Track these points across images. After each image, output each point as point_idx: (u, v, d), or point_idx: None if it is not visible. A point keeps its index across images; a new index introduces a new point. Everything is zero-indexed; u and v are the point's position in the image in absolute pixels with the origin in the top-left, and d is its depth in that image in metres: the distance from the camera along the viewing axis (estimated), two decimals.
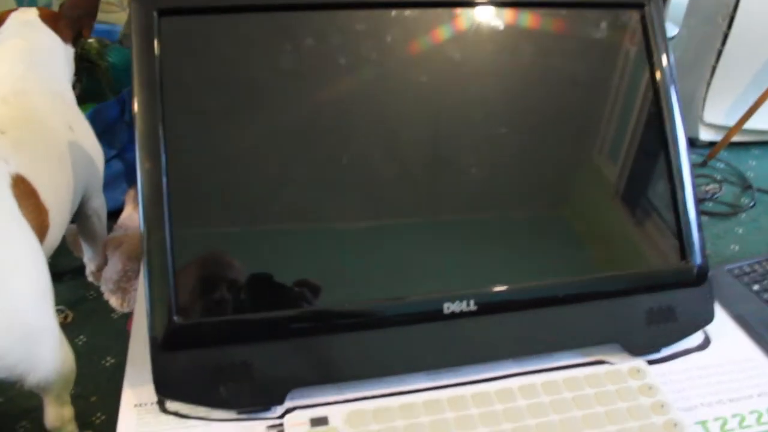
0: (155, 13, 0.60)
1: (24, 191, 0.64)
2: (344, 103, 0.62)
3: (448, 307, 0.58)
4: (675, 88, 0.68)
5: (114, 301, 0.93)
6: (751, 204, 1.20)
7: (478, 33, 0.65)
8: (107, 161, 1.06)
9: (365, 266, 0.60)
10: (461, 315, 0.59)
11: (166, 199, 0.57)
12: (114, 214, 1.03)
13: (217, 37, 0.62)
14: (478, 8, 0.66)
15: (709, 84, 1.35)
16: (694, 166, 1.33)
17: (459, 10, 0.65)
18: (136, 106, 0.58)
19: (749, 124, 1.33)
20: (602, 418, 0.55)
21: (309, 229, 0.60)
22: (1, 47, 0.74)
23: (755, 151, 1.40)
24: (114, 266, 0.94)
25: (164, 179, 0.57)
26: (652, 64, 0.68)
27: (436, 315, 0.58)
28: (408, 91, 0.63)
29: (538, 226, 0.64)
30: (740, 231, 1.13)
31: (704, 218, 1.16)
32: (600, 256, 0.65)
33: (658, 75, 0.68)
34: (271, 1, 0.62)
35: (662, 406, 0.56)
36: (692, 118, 1.41)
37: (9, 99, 0.72)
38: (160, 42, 0.59)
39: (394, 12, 0.64)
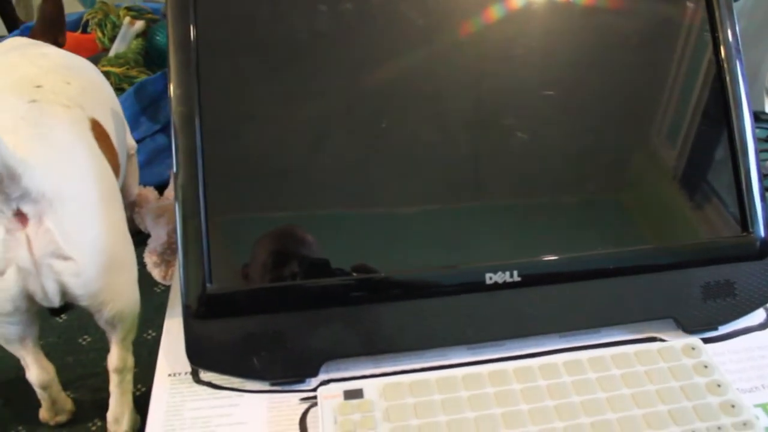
0: None
1: (100, 134, 0.68)
2: (390, 74, 0.60)
3: (491, 278, 0.56)
4: (739, 54, 0.64)
5: (157, 274, 0.93)
6: None
7: (531, 7, 0.62)
8: (152, 135, 1.06)
9: (405, 236, 0.58)
10: (504, 286, 0.56)
11: (200, 167, 0.56)
12: (159, 189, 1.02)
13: (256, 1, 0.60)
14: None
15: None
16: (759, 141, 1.27)
17: None
18: (171, 74, 0.57)
19: None
20: (653, 396, 0.52)
21: (347, 198, 0.58)
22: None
23: None
24: (157, 238, 0.93)
25: (199, 146, 0.56)
26: (715, 30, 0.64)
27: (477, 286, 0.56)
28: (456, 62, 0.61)
29: (588, 197, 0.61)
30: None
31: None
32: (654, 226, 0.61)
33: (720, 36, 0.64)
34: None
35: (719, 385, 0.53)
36: (758, 90, 1.34)
37: (54, 58, 0.76)
38: (195, 9, 0.58)
39: None
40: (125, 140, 0.83)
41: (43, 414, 0.71)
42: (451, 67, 0.61)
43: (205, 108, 0.57)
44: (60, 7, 0.86)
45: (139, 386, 0.73)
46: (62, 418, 0.72)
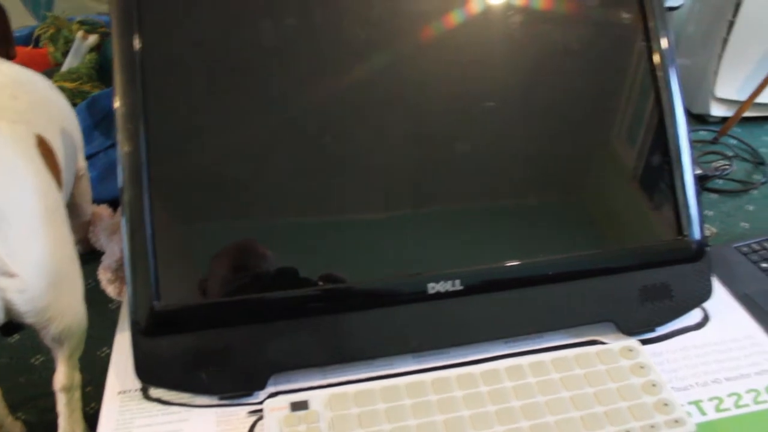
0: None
1: (46, 150, 0.68)
2: (334, 86, 0.61)
3: (433, 287, 0.57)
4: (674, 62, 0.66)
5: (111, 291, 0.92)
6: (763, 180, 1.16)
7: (473, 19, 0.63)
8: (105, 150, 1.06)
9: (347, 248, 0.59)
10: (446, 295, 0.57)
11: (146, 183, 0.56)
12: (114, 203, 1.02)
13: (198, 18, 0.60)
14: None
15: (720, 57, 1.31)
16: (705, 142, 1.30)
17: None
18: (115, 90, 0.57)
19: (763, 98, 1.30)
20: (591, 398, 0.53)
21: (288, 211, 0.59)
22: None
23: None
24: (111, 255, 0.93)
25: (144, 161, 0.57)
26: (648, 35, 0.66)
27: (420, 295, 0.57)
28: (400, 74, 0.62)
29: (527, 205, 0.62)
30: (751, 208, 1.10)
31: (714, 196, 1.13)
32: (592, 232, 0.63)
33: (654, 46, 0.66)
34: None
35: (654, 385, 0.54)
36: (704, 94, 1.37)
37: (4, 73, 0.76)
38: (140, 25, 0.58)
39: None
40: (75, 159, 0.83)
41: None
42: (395, 78, 0.62)
43: (151, 123, 0.57)
44: (5, 21, 0.85)
45: (92, 404, 0.73)
46: None
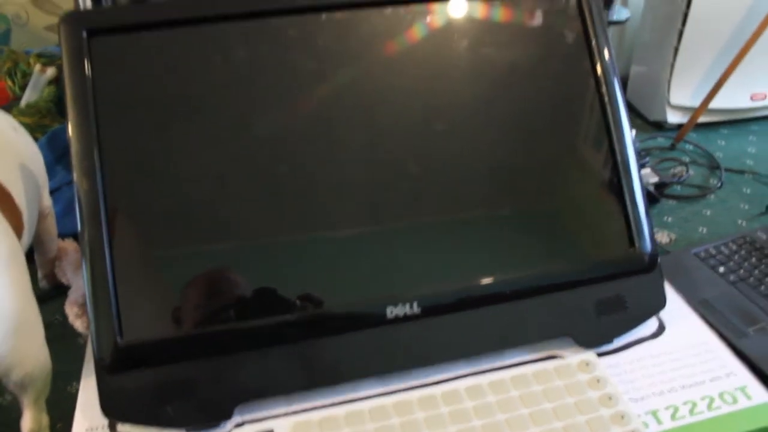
0: (84, 33, 0.60)
1: (1, 195, 0.67)
2: (283, 113, 0.62)
3: (392, 311, 0.58)
4: (615, 73, 0.68)
5: (79, 325, 0.92)
6: (719, 185, 1.20)
7: (413, 28, 0.65)
8: (68, 184, 1.06)
9: (305, 274, 0.59)
10: (405, 318, 0.58)
11: (103, 217, 0.57)
12: (77, 238, 1.02)
13: (150, 52, 0.61)
14: (412, 5, 0.65)
15: (673, 66, 1.35)
16: (663, 149, 1.33)
17: (392, 8, 0.65)
18: (69, 128, 0.58)
19: (716, 104, 1.33)
20: (549, 414, 0.55)
21: (245, 238, 0.60)
22: None
23: (724, 131, 1.40)
24: (78, 289, 0.93)
25: (101, 197, 0.57)
26: (591, 51, 0.68)
27: (379, 320, 0.58)
28: (350, 98, 0.63)
29: (479, 223, 0.64)
30: (708, 213, 1.13)
31: (672, 202, 1.16)
32: (546, 247, 0.64)
33: (597, 62, 0.68)
34: (201, 13, 0.62)
35: (610, 398, 0.56)
36: (659, 101, 1.41)
37: None
38: (91, 62, 0.59)
39: (325, 16, 0.64)
40: (39, 198, 0.82)
41: None
42: (350, 102, 0.63)
43: (106, 158, 0.58)
44: None
45: None
46: None
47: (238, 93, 0.62)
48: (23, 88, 1.15)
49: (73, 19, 0.60)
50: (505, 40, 0.67)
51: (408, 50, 0.65)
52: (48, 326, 0.86)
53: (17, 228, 0.68)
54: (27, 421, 0.65)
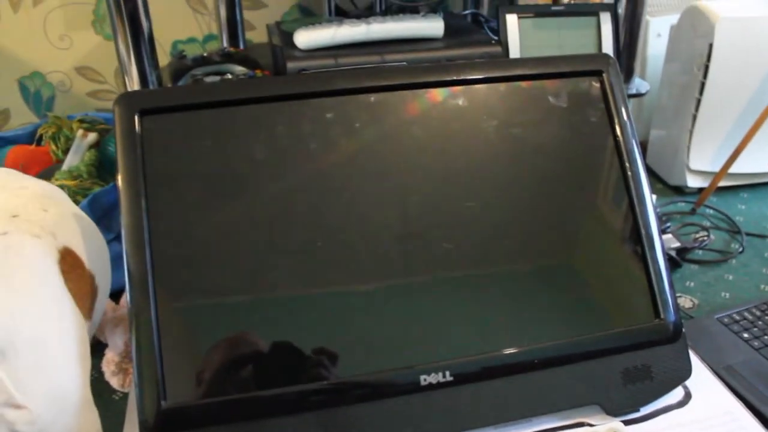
0: (137, 115, 0.64)
1: (71, 263, 0.68)
2: (321, 186, 0.66)
3: (425, 379, 0.60)
4: (637, 148, 0.71)
5: (116, 383, 0.95)
6: (740, 249, 1.21)
7: (445, 110, 0.69)
8: (108, 243, 1.10)
9: (342, 342, 0.62)
10: (438, 386, 0.61)
11: (151, 287, 0.60)
12: (114, 295, 1.05)
13: (197, 131, 0.66)
14: (443, 88, 0.69)
15: (691, 132, 1.38)
16: (683, 214, 1.35)
17: (424, 91, 0.69)
18: (121, 202, 0.62)
19: (736, 168, 1.36)
20: None
21: (285, 312, 0.63)
22: None
23: (744, 195, 1.42)
24: (115, 347, 0.96)
25: (149, 268, 0.61)
26: (613, 128, 0.71)
27: (413, 387, 0.60)
28: (376, 170, 0.67)
29: (509, 292, 0.66)
30: (730, 277, 1.14)
31: (694, 267, 1.17)
32: (573, 318, 0.66)
33: (620, 139, 0.71)
34: (244, 95, 0.67)
35: None
36: (679, 167, 1.43)
37: (34, 188, 0.76)
38: (142, 140, 0.63)
39: (361, 97, 0.68)
40: (107, 266, 0.84)
41: None
42: (379, 182, 0.67)
43: (154, 231, 0.62)
44: None
45: None
46: None
47: (278, 169, 0.66)
48: (65, 152, 1.19)
49: (127, 100, 0.65)
50: (532, 121, 0.71)
51: (438, 130, 0.69)
52: None
53: (90, 292, 0.70)
54: None
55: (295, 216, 0.65)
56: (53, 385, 0.59)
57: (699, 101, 1.35)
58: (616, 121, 0.71)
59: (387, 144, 0.67)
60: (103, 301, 0.76)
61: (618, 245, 0.69)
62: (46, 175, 1.14)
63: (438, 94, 0.69)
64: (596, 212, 0.70)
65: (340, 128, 0.67)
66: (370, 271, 0.64)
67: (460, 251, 0.66)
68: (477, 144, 0.69)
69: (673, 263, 1.14)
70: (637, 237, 0.68)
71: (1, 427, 0.56)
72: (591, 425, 0.63)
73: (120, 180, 0.63)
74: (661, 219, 1.26)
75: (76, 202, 1.06)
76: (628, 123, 0.71)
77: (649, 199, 0.70)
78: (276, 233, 0.64)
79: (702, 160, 1.40)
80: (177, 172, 0.65)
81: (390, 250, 0.65)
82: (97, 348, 0.99)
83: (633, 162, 0.70)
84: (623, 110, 0.72)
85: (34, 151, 1.25)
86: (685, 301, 1.06)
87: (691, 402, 0.67)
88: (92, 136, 1.22)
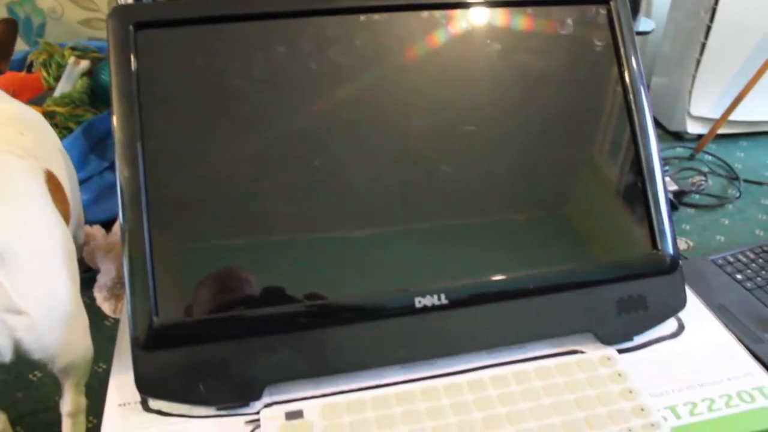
0: (132, 27, 0.62)
1: (55, 185, 0.70)
2: (320, 110, 0.64)
3: (420, 302, 0.60)
4: (642, 81, 0.69)
5: (107, 308, 0.95)
6: (737, 195, 1.21)
7: (447, 33, 0.67)
8: (100, 173, 1.09)
9: (341, 264, 0.61)
10: (433, 309, 0.60)
11: (144, 204, 0.59)
12: (108, 224, 1.05)
13: (194, 47, 0.64)
14: (446, 10, 0.67)
15: (694, 77, 1.37)
16: (682, 159, 1.34)
17: (427, 13, 0.67)
18: (114, 118, 0.60)
19: (737, 116, 1.35)
20: (571, 405, 0.56)
21: (281, 231, 0.62)
22: None
23: (743, 143, 1.41)
24: (106, 273, 0.96)
25: (143, 185, 0.59)
26: (619, 59, 0.70)
27: (408, 309, 0.60)
28: (384, 99, 0.65)
29: (508, 221, 0.66)
30: (726, 222, 1.14)
31: (690, 210, 1.17)
32: (571, 247, 0.66)
33: (625, 70, 0.70)
34: (244, 10, 0.64)
35: (631, 392, 0.57)
36: (680, 112, 1.42)
37: (7, 110, 0.77)
38: (137, 55, 0.62)
39: (363, 17, 0.66)
40: (78, 190, 0.84)
41: None
42: (379, 101, 0.65)
43: (148, 148, 0.60)
44: (13, 33, 0.85)
45: (91, 418, 0.75)
46: None
47: (276, 89, 0.64)
48: (57, 80, 1.17)
49: (121, 13, 0.63)
50: (536, 47, 0.69)
51: (441, 53, 0.67)
52: None
53: (66, 218, 0.70)
54: (67, 404, 0.67)
55: (292, 136, 0.63)
56: (50, 293, 0.62)
57: (704, 45, 1.33)
58: (621, 50, 0.70)
59: (387, 66, 0.66)
60: (72, 230, 0.76)
61: (618, 176, 0.68)
62: (37, 101, 1.13)
63: (441, 16, 0.67)
64: (598, 141, 0.69)
65: (341, 48, 0.65)
66: (367, 195, 0.63)
67: (459, 176, 0.64)
68: (479, 68, 0.68)
69: (670, 206, 1.14)
70: (638, 168, 0.67)
71: (2, 332, 0.58)
72: (583, 353, 0.63)
73: (113, 96, 0.61)
74: None
75: (69, 129, 1.05)
76: (633, 53, 0.70)
77: (652, 129, 0.69)
78: (271, 153, 0.63)
79: (703, 106, 1.39)
80: (173, 90, 0.63)
81: (388, 174, 0.64)
82: (89, 275, 0.99)
83: (637, 92, 0.69)
84: (629, 40, 0.70)
85: (24, 77, 1.23)
86: (681, 243, 1.06)
87: (684, 333, 0.67)
88: (85, 64, 1.20)
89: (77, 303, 0.66)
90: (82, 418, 0.69)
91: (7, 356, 0.60)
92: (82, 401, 0.69)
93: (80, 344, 0.66)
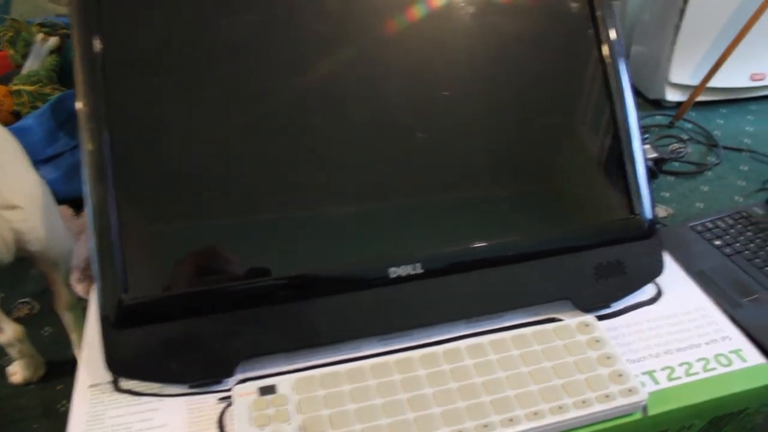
0: None
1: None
2: (291, 80, 0.62)
3: (394, 272, 0.59)
4: (620, 50, 0.68)
5: (80, 290, 0.93)
6: (717, 162, 1.20)
7: (431, 13, 0.65)
8: (70, 150, 1.06)
9: (311, 236, 0.60)
10: (408, 279, 0.59)
11: (111, 179, 0.57)
12: (78, 203, 1.03)
13: (158, 15, 0.61)
14: None
15: (673, 44, 1.35)
16: (661, 126, 1.34)
17: None
18: (77, 88, 0.58)
19: (716, 83, 1.34)
20: (549, 372, 0.56)
21: (252, 203, 0.60)
22: None
23: (722, 110, 1.41)
24: (79, 255, 0.94)
25: (108, 158, 0.57)
26: (597, 25, 0.68)
27: (381, 280, 0.59)
28: (359, 67, 0.63)
29: (484, 189, 0.64)
30: (706, 189, 1.14)
31: (670, 178, 1.16)
32: (548, 213, 0.65)
33: (603, 36, 0.68)
34: None
35: (608, 357, 0.57)
36: (659, 80, 1.41)
37: None
38: (101, 21, 0.59)
39: None
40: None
41: (25, 374, 0.80)
42: (354, 71, 0.63)
43: (114, 122, 0.58)
44: None
45: (63, 402, 0.74)
46: (42, 371, 0.81)
47: (248, 59, 0.62)
48: (25, 57, 1.14)
49: None
50: (513, 14, 0.68)
51: (415, 21, 0.65)
52: (48, 292, 0.88)
53: None
54: (63, 298, 0.78)
55: (262, 108, 0.62)
56: (32, 190, 0.73)
57: (683, 11, 1.31)
58: (599, 16, 0.68)
59: (363, 29, 0.64)
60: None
61: (597, 143, 0.67)
62: (3, 80, 1.10)
63: None
64: (573, 104, 0.67)
65: (315, 15, 0.63)
66: (340, 166, 0.62)
67: (434, 143, 0.63)
68: (455, 36, 0.66)
69: (649, 173, 1.13)
70: (615, 131, 0.66)
71: (3, 225, 0.70)
72: (561, 320, 0.62)
73: (76, 65, 0.59)
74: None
75: (35, 107, 1.02)
76: (611, 19, 0.68)
77: (629, 91, 0.67)
78: (241, 125, 0.61)
79: (682, 73, 1.38)
80: (141, 60, 0.60)
81: (362, 138, 0.62)
82: None
83: (614, 54, 0.68)
84: (607, 6, 0.69)
85: None
86: (661, 211, 1.06)
87: (662, 298, 0.66)
88: (53, 41, 1.17)
89: (53, 200, 0.77)
90: (78, 310, 0.81)
91: (12, 250, 0.71)
92: (73, 294, 0.80)
93: (63, 236, 0.77)
